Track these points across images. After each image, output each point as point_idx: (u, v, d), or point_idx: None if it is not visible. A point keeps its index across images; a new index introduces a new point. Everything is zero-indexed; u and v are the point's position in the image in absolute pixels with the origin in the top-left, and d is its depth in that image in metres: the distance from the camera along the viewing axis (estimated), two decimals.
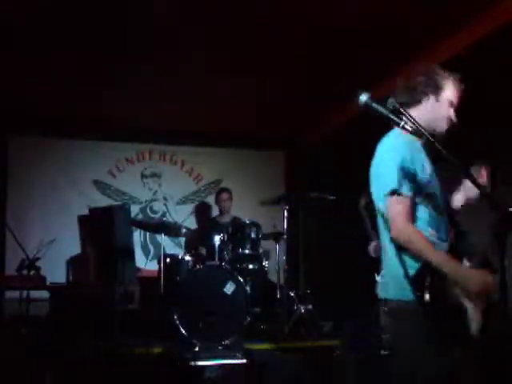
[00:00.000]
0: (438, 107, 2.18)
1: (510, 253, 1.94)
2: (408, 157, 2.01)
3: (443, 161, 1.79)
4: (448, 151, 1.75)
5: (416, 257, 1.95)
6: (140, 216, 7.00)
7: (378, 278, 3.43)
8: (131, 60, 4.83)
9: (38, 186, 6.60)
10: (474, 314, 1.97)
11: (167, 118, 6.46)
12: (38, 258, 5.04)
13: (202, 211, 7.10)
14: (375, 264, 3.55)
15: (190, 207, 7.15)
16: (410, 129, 1.76)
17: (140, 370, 4.12)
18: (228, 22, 4.13)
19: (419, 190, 2.01)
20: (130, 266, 5.91)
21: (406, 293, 1.98)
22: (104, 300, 4.58)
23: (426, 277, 1.92)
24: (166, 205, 7.14)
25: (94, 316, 4.48)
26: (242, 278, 4.82)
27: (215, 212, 6.63)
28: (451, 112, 2.20)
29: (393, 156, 2.02)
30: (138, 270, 6.32)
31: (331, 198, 5.30)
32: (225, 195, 6.19)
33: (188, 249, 6.61)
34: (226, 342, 4.52)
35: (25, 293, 4.88)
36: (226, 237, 5.27)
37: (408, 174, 1.98)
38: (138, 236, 6.79)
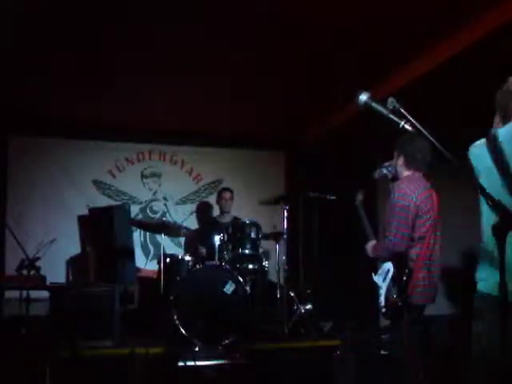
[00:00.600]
0: None
1: None
2: None
3: (443, 161, 1.79)
4: (448, 151, 1.75)
5: None
6: (140, 216, 7.00)
7: (375, 278, 3.45)
8: (131, 60, 4.83)
9: (38, 186, 6.60)
10: None
11: (167, 118, 6.46)
12: (37, 258, 5.03)
13: (202, 211, 7.11)
14: (375, 264, 3.56)
15: (190, 207, 7.15)
16: (410, 129, 1.75)
17: (140, 370, 4.12)
18: (228, 21, 4.13)
19: None
20: (130, 266, 5.92)
21: None
22: (104, 300, 4.58)
23: None
24: (165, 205, 7.14)
25: (93, 316, 4.48)
26: (242, 278, 4.82)
27: (215, 212, 6.64)
28: None
29: None
30: (138, 270, 6.33)
31: (331, 197, 5.31)
32: (227, 194, 6.20)
33: (188, 249, 6.61)
34: (226, 342, 4.52)
35: (25, 293, 4.87)
36: (225, 237, 5.27)
37: None
38: (137, 236, 6.79)
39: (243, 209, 6.45)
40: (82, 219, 6.44)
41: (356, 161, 5.98)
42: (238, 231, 5.31)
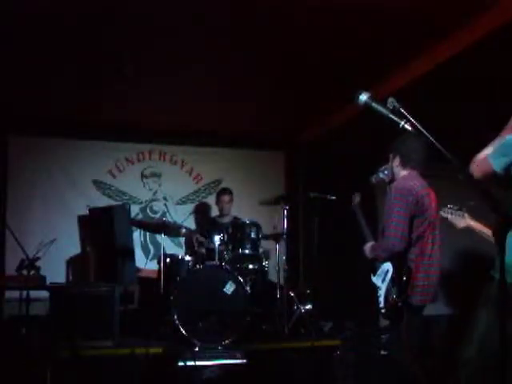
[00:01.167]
0: None
1: None
2: None
3: (443, 161, 1.79)
4: (449, 151, 1.75)
5: None
6: (140, 216, 7.00)
7: (374, 279, 3.45)
8: (131, 60, 4.83)
9: (38, 186, 6.60)
10: None
11: (167, 118, 6.46)
12: (37, 258, 5.04)
13: (200, 212, 7.09)
14: (373, 265, 3.55)
15: (189, 207, 7.15)
16: (410, 129, 1.75)
17: (140, 370, 4.12)
18: (228, 21, 4.13)
19: None
20: (130, 266, 5.92)
21: None
22: (104, 300, 4.58)
23: None
24: (166, 205, 7.14)
25: (93, 316, 4.48)
26: (242, 278, 4.82)
27: (215, 212, 6.63)
28: None
29: None
30: (138, 270, 6.33)
31: (331, 197, 5.31)
32: (226, 197, 6.14)
33: (188, 249, 6.61)
34: (226, 342, 4.52)
35: (25, 293, 4.88)
36: (226, 237, 5.27)
37: None
38: (137, 236, 6.79)
39: (243, 209, 6.44)
40: (81, 219, 6.45)
41: (356, 161, 5.98)
42: (238, 231, 5.31)
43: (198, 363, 4.11)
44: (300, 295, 5.35)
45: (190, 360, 4.10)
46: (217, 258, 5.12)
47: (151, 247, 6.98)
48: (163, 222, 5.61)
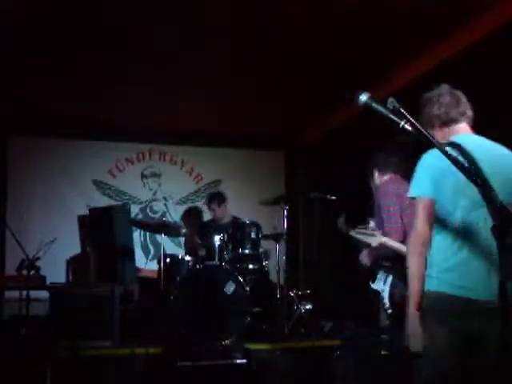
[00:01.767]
0: None
1: None
2: None
3: None
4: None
5: None
6: (140, 216, 7.00)
7: (373, 285, 3.45)
8: (131, 60, 4.83)
9: (38, 186, 6.60)
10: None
11: (167, 118, 6.46)
12: (37, 258, 5.04)
13: (193, 215, 7.04)
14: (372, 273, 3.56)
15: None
16: (410, 129, 1.75)
17: (140, 370, 4.12)
18: (228, 22, 4.13)
19: None
20: (130, 265, 5.91)
21: None
22: (104, 300, 4.58)
23: None
24: (165, 205, 7.14)
25: (93, 316, 4.48)
26: (242, 278, 4.82)
27: (206, 216, 6.59)
28: None
29: None
30: (138, 269, 6.31)
31: (331, 197, 5.31)
32: (214, 205, 5.89)
33: (188, 249, 6.60)
34: (226, 342, 4.52)
35: (25, 293, 4.88)
36: (226, 237, 5.27)
37: None
38: (138, 236, 6.79)
39: (243, 209, 6.43)
40: (81, 219, 6.43)
41: (356, 161, 5.98)
42: (238, 231, 5.30)
43: (198, 363, 4.10)
44: (300, 295, 5.35)
45: (190, 360, 4.09)
46: (217, 258, 5.12)
47: (151, 247, 6.98)
48: (163, 221, 5.60)
